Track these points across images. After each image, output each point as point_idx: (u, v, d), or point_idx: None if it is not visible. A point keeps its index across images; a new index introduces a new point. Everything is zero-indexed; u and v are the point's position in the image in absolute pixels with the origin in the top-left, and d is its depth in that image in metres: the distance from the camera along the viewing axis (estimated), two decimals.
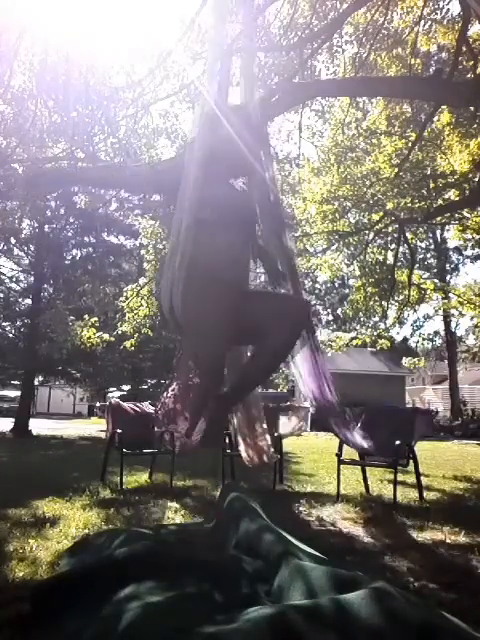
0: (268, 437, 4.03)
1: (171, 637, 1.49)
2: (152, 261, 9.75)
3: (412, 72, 6.92)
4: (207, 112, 2.79)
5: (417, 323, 24.43)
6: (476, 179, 7.19)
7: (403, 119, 7.76)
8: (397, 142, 7.89)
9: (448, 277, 23.82)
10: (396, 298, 9.96)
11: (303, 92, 5.29)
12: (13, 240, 13.96)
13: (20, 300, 16.97)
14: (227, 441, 4.94)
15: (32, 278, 15.36)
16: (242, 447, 4.05)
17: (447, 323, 23.49)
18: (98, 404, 26.41)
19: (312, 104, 8.21)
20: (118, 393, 24.54)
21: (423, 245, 20.17)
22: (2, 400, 23.75)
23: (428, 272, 21.48)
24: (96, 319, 11.06)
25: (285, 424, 5.01)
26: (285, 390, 21.97)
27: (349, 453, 4.57)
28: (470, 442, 13.74)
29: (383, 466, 4.65)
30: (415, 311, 11.05)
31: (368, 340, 10.35)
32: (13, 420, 13.30)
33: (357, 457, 4.63)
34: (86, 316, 11.25)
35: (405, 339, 26.43)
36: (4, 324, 16.99)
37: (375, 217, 8.78)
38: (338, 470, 4.49)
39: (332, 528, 3.40)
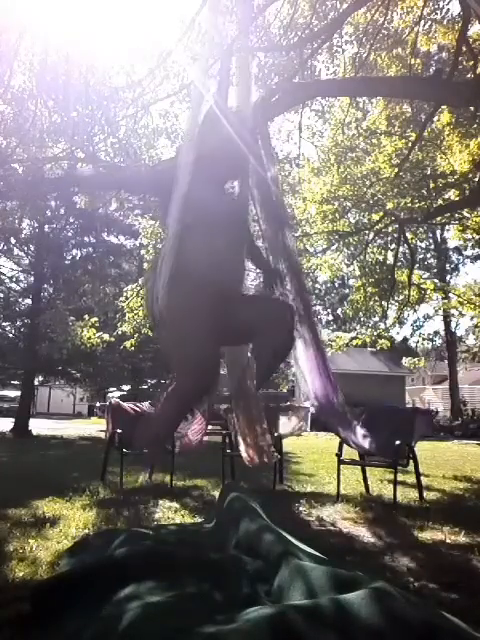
0: (268, 437, 4.04)
1: (171, 637, 1.49)
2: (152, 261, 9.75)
3: (412, 72, 6.92)
4: (207, 112, 2.79)
5: (417, 323, 24.45)
6: (476, 179, 7.19)
7: (403, 119, 7.76)
8: (397, 142, 7.89)
9: (448, 277, 23.83)
10: (396, 298, 9.96)
11: (303, 92, 5.29)
12: (13, 240, 13.96)
13: (20, 300, 16.96)
14: (227, 441, 4.95)
15: (32, 278, 15.35)
16: (242, 447, 4.05)
17: (447, 323, 23.49)
18: (98, 404, 26.39)
19: (312, 104, 8.22)
20: (118, 393, 24.52)
21: (423, 245, 20.17)
22: (2, 400, 23.75)
23: (428, 272, 21.48)
24: (96, 319, 11.06)
25: (285, 424, 5.01)
26: (285, 390, 21.98)
27: (349, 453, 4.57)
28: (470, 442, 13.73)
29: (383, 466, 4.65)
30: (415, 311, 11.06)
31: (368, 340, 10.34)
32: (13, 420, 13.29)
33: (357, 457, 4.63)
34: (86, 316, 11.25)
35: (405, 339, 26.44)
36: (4, 324, 16.98)
37: (375, 217, 8.78)
38: (338, 470, 4.49)
39: (332, 528, 3.40)
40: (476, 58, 6.15)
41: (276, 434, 4.71)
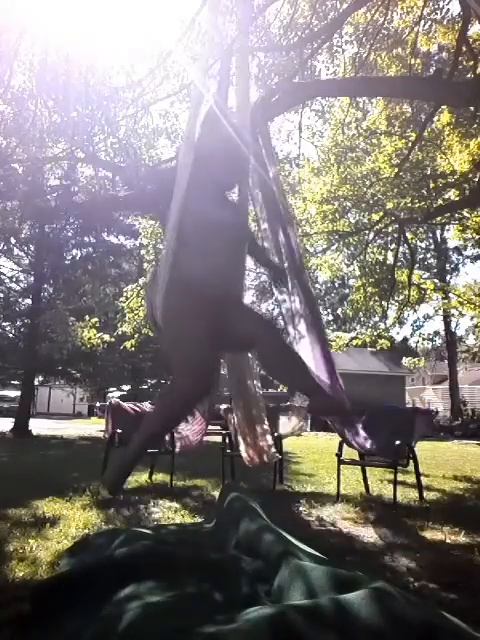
0: (269, 437, 4.04)
1: (171, 637, 1.49)
2: (152, 261, 9.75)
3: (412, 72, 6.92)
4: (207, 112, 2.79)
5: (417, 323, 24.45)
6: (476, 179, 7.19)
7: (403, 119, 7.77)
8: (397, 142, 7.90)
9: (448, 277, 23.84)
10: (396, 298, 9.96)
11: (303, 92, 5.29)
12: (13, 240, 13.96)
13: (20, 300, 16.96)
14: (227, 441, 4.95)
15: (32, 278, 15.36)
16: (242, 447, 4.05)
17: (447, 323, 23.51)
18: (98, 404, 26.40)
19: (312, 104, 8.22)
20: (118, 393, 24.54)
21: (423, 245, 20.19)
22: (2, 400, 23.76)
23: (428, 272, 21.49)
24: (96, 320, 11.07)
25: (285, 424, 5.00)
26: (285, 390, 21.97)
27: (349, 453, 4.57)
28: (470, 442, 13.74)
29: (383, 466, 4.65)
30: (415, 311, 11.06)
31: (368, 340, 10.35)
32: (13, 420, 13.29)
33: (357, 457, 4.62)
34: (87, 317, 11.26)
35: (405, 339, 26.45)
36: (4, 324, 16.99)
37: (375, 217, 8.78)
38: (338, 470, 4.49)
39: (332, 528, 3.39)
40: (476, 58, 6.15)
41: (276, 434, 4.70)
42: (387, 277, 9.17)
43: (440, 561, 2.67)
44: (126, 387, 25.30)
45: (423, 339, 22.51)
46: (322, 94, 6.55)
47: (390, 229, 9.05)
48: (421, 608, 1.63)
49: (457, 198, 7.83)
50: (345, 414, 3.17)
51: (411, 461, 4.38)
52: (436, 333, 26.92)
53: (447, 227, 11.98)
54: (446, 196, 8.24)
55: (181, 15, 6.99)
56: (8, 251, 14.89)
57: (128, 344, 9.93)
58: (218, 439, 5.34)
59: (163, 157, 8.85)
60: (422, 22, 7.00)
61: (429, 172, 8.06)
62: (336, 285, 28.62)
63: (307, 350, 3.13)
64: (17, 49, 5.70)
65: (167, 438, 4.78)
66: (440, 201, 8.17)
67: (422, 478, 4.65)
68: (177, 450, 4.71)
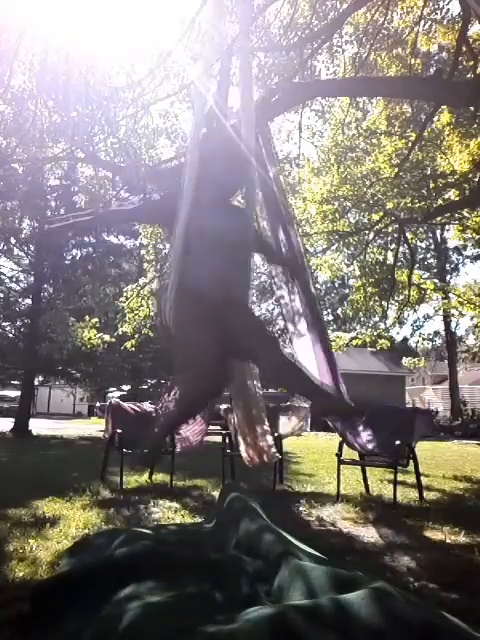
0: (269, 437, 4.04)
1: (171, 637, 1.49)
2: (152, 261, 9.75)
3: (412, 72, 6.92)
4: (208, 112, 2.81)
5: (417, 323, 24.42)
6: (476, 179, 7.19)
7: (403, 119, 7.76)
8: (397, 142, 7.89)
9: (448, 277, 23.83)
10: (396, 298, 9.96)
11: (303, 92, 5.28)
12: (13, 240, 13.96)
13: (20, 300, 16.95)
14: (227, 441, 4.95)
15: (32, 278, 15.35)
16: (242, 447, 4.05)
17: (447, 323, 23.50)
18: (98, 404, 26.36)
19: (312, 104, 8.21)
20: (118, 393, 24.52)
21: (423, 245, 20.18)
22: (2, 400, 23.73)
23: (428, 272, 21.49)
24: (96, 320, 11.06)
25: (285, 424, 5.00)
26: (285, 390, 21.94)
27: (349, 453, 4.57)
28: (470, 442, 13.74)
29: (383, 466, 4.65)
30: (415, 311, 11.06)
31: (368, 340, 10.34)
32: (13, 420, 13.29)
33: (357, 457, 4.62)
34: (87, 317, 11.25)
35: (405, 339, 26.43)
36: (4, 324, 16.98)
37: (375, 217, 8.78)
38: (338, 470, 4.49)
39: (332, 528, 3.40)
40: (476, 58, 6.15)
41: (276, 434, 4.70)
42: (387, 277, 9.17)
43: (440, 561, 2.67)
44: (126, 387, 25.28)
45: (423, 339, 22.49)
46: (322, 94, 6.55)
47: (390, 229, 9.05)
48: (421, 608, 1.64)
49: (457, 198, 7.83)
50: (347, 415, 3.19)
51: (411, 461, 4.38)
52: (436, 333, 26.92)
53: (447, 227, 11.98)
54: (446, 196, 8.24)
55: (181, 15, 6.99)
56: (8, 251, 14.88)
57: (128, 344, 9.92)
58: (218, 439, 5.34)
59: (163, 157, 8.85)
60: (422, 22, 6.99)
61: (429, 172, 8.05)
62: (336, 285, 28.62)
63: (308, 350, 3.15)
64: (17, 49, 5.70)
65: (167, 438, 4.78)
66: (440, 201, 8.17)
67: (422, 478, 4.65)
68: (177, 450, 4.71)
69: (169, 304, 2.60)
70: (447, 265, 24.78)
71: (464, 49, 6.02)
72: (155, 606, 1.69)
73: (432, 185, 7.96)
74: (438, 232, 20.98)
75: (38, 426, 13.72)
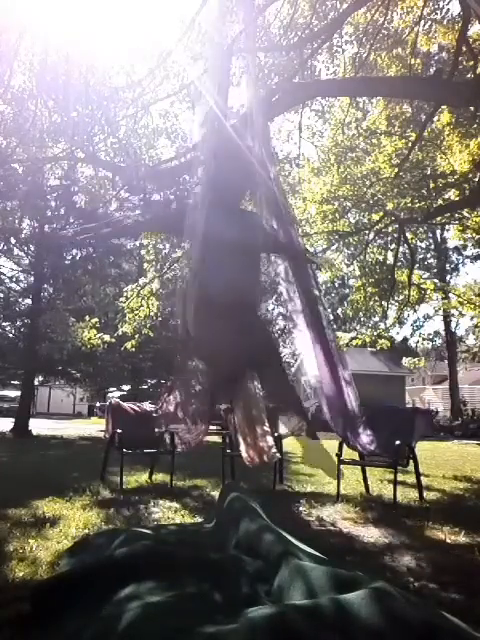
0: (269, 438, 4.04)
1: (171, 637, 1.49)
2: (152, 261, 9.74)
3: (412, 72, 6.92)
4: (210, 113, 2.83)
5: (417, 323, 24.44)
6: (476, 179, 7.19)
7: (403, 119, 7.76)
8: (397, 142, 7.89)
9: (448, 277, 23.82)
10: (396, 298, 9.96)
11: (303, 92, 5.29)
12: (13, 240, 13.95)
13: (20, 300, 16.94)
14: (227, 441, 4.94)
15: (32, 278, 15.34)
16: (242, 447, 4.05)
17: (447, 323, 23.49)
18: (98, 404, 26.36)
19: (312, 104, 8.22)
20: (118, 393, 24.50)
21: (423, 245, 20.18)
22: (2, 400, 23.72)
23: (428, 272, 21.48)
24: (96, 320, 11.05)
25: (285, 424, 5.00)
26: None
27: (349, 453, 4.57)
28: (470, 442, 13.73)
29: (383, 466, 4.65)
30: (415, 311, 11.06)
31: (368, 340, 10.34)
32: (13, 420, 13.28)
33: (357, 457, 4.62)
34: (87, 317, 11.24)
35: (405, 339, 26.42)
36: (4, 324, 16.97)
37: (375, 217, 8.78)
38: (338, 470, 4.49)
39: (332, 528, 3.39)
40: (476, 58, 6.15)
41: (276, 434, 4.70)
42: (387, 277, 9.17)
43: (440, 561, 2.67)
44: (126, 387, 25.26)
45: (423, 339, 22.49)
46: (322, 94, 6.55)
47: (390, 229, 9.05)
48: (421, 608, 1.64)
49: (457, 198, 7.83)
50: (347, 417, 3.27)
51: (411, 461, 4.38)
52: (436, 333, 26.93)
53: (447, 227, 11.98)
54: (446, 196, 8.24)
55: (181, 15, 6.98)
56: (8, 251, 14.87)
57: (128, 344, 9.91)
58: (218, 439, 5.34)
59: (163, 157, 8.85)
60: (422, 22, 6.99)
61: (429, 172, 8.05)
62: (336, 285, 28.61)
63: (308, 350, 3.17)
64: (17, 49, 5.70)
65: (167, 439, 4.78)
66: (440, 201, 8.17)
67: (422, 478, 4.65)
68: (178, 450, 4.71)
69: (189, 306, 2.84)
70: (447, 265, 24.77)
71: (464, 49, 6.02)
72: (155, 606, 1.69)
73: (432, 185, 7.96)
74: (438, 232, 20.99)
75: (38, 426, 13.72)
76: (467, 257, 23.59)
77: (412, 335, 25.95)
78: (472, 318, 10.90)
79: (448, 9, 7.01)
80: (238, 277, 2.88)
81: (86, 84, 6.34)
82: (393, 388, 21.71)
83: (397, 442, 4.16)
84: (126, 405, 5.43)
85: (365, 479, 4.82)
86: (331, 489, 4.79)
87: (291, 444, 9.16)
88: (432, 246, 23.06)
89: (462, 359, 26.56)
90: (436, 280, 13.05)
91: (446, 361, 25.34)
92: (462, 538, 3.14)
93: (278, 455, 4.59)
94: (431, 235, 21.11)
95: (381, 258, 9.57)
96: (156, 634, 1.52)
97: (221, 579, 1.99)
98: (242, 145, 2.83)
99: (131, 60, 7.15)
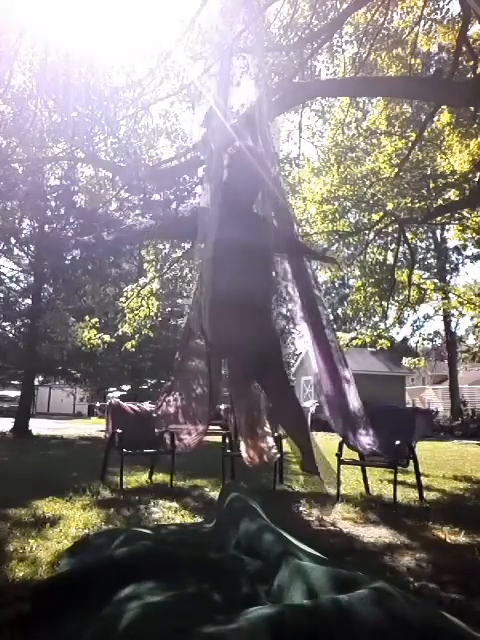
0: (269, 439, 4.04)
1: (171, 637, 1.49)
2: (152, 261, 9.75)
3: (412, 72, 6.92)
4: (208, 112, 2.84)
5: (417, 323, 24.45)
6: (476, 179, 7.19)
7: (403, 119, 7.77)
8: (397, 142, 7.90)
9: (448, 277, 23.82)
10: (396, 298, 9.96)
11: (303, 92, 5.29)
12: (13, 240, 13.95)
13: (20, 300, 16.93)
14: (227, 441, 4.94)
15: (32, 278, 15.33)
16: (243, 447, 4.05)
17: (447, 323, 23.49)
18: (98, 404, 26.37)
19: (312, 104, 8.23)
20: (118, 393, 24.50)
21: (423, 245, 20.18)
22: (2, 400, 23.71)
23: (428, 272, 21.48)
24: (96, 320, 11.06)
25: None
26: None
27: (349, 453, 4.56)
28: (470, 442, 13.73)
29: (383, 466, 4.65)
30: (415, 311, 11.08)
31: (368, 340, 10.34)
32: (13, 420, 13.28)
33: (357, 457, 4.62)
34: (87, 317, 11.24)
35: (405, 339, 26.44)
36: (4, 324, 16.96)
37: (375, 217, 8.78)
38: (338, 470, 4.49)
39: (332, 528, 3.39)
40: (476, 58, 6.15)
41: (276, 434, 4.70)
42: (387, 277, 9.17)
43: (440, 561, 2.67)
44: (126, 387, 25.26)
45: (423, 339, 22.52)
46: (322, 94, 6.56)
47: (390, 229, 9.05)
48: (421, 608, 1.63)
49: (457, 198, 7.83)
50: (349, 417, 3.37)
51: (411, 461, 4.38)
52: (436, 333, 26.94)
53: (447, 227, 11.98)
54: (446, 196, 8.24)
55: (181, 15, 6.99)
56: (8, 251, 14.87)
57: (128, 344, 9.92)
58: (218, 439, 5.34)
59: (163, 157, 8.85)
60: (422, 22, 7.00)
61: (429, 172, 8.05)
62: (336, 285, 28.62)
63: (309, 349, 3.20)
64: (17, 49, 5.70)
65: (167, 439, 4.78)
66: (440, 201, 8.17)
67: (422, 478, 4.65)
68: (178, 450, 4.71)
69: (205, 312, 2.94)
70: (447, 265, 24.77)
71: (464, 49, 6.02)
72: (155, 606, 1.69)
73: (432, 185, 7.96)
74: (438, 232, 20.98)
75: (38, 426, 13.71)
76: (467, 257, 23.62)
77: (412, 335, 26.01)
78: (472, 318, 10.91)
79: (448, 9, 7.03)
80: (254, 279, 3.01)
81: (86, 84, 6.34)
82: (393, 388, 21.72)
83: (397, 442, 4.16)
84: (126, 405, 5.43)
85: (365, 479, 4.82)
86: (331, 489, 4.79)
87: (291, 444, 9.15)
88: (432, 246, 23.06)
89: (462, 359, 26.53)
90: (436, 280, 13.06)
91: (446, 361, 25.34)
92: (462, 538, 3.14)
93: (278, 455, 4.59)
94: (431, 235, 21.11)
95: (381, 258, 9.58)
96: (156, 634, 1.52)
97: (221, 579, 1.99)
98: (243, 145, 2.85)
99: (131, 60, 7.16)
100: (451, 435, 16.85)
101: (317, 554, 2.17)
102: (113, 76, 7.21)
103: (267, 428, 3.99)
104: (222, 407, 5.30)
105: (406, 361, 18.34)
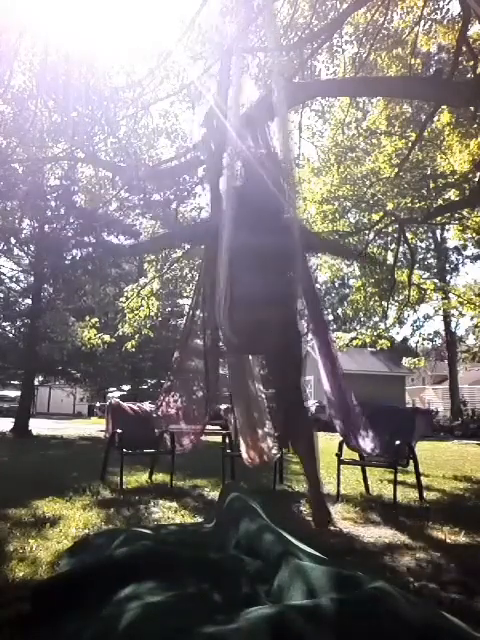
0: (270, 440, 4.04)
1: (171, 637, 1.49)
2: (152, 261, 9.75)
3: (412, 72, 6.92)
4: (208, 112, 2.84)
5: (417, 323, 24.43)
6: (476, 179, 7.19)
7: (403, 119, 7.76)
8: (397, 142, 7.89)
9: (448, 277, 23.80)
10: (396, 298, 9.96)
11: (303, 92, 5.29)
12: (13, 240, 13.95)
13: (20, 300, 16.93)
14: (227, 441, 4.94)
15: (32, 278, 15.33)
16: (243, 448, 4.06)
17: (447, 323, 23.48)
18: (98, 404, 26.37)
19: (312, 104, 8.22)
20: (118, 393, 24.50)
21: (423, 245, 20.17)
22: (2, 400, 23.70)
23: (428, 272, 21.46)
24: (96, 320, 11.06)
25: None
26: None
27: (349, 453, 4.57)
28: (470, 442, 13.73)
29: (383, 466, 4.65)
30: (415, 311, 11.07)
31: (368, 340, 10.33)
32: (13, 420, 13.27)
33: (357, 457, 4.62)
34: (87, 317, 11.25)
35: (405, 339, 26.42)
36: (4, 324, 16.96)
37: (375, 217, 8.78)
38: (338, 470, 4.49)
39: (332, 528, 3.39)
40: (476, 58, 6.14)
41: (276, 434, 4.70)
42: (387, 277, 9.17)
43: (440, 561, 2.67)
44: (126, 387, 25.27)
45: (423, 339, 22.49)
46: (322, 94, 6.55)
47: (390, 229, 9.04)
48: (421, 608, 1.64)
49: (457, 198, 7.82)
50: (350, 418, 3.39)
51: (411, 461, 4.38)
52: (436, 333, 26.92)
53: (447, 227, 11.98)
54: (446, 196, 8.24)
55: (181, 15, 6.99)
56: (8, 251, 14.86)
57: (128, 344, 9.92)
58: (218, 439, 5.34)
59: (163, 157, 8.85)
60: (422, 22, 6.99)
61: (429, 172, 8.05)
62: (336, 285, 28.61)
63: (309, 349, 3.23)
64: (17, 49, 5.70)
65: (167, 439, 4.78)
66: (440, 201, 8.16)
67: (422, 478, 4.65)
68: (177, 450, 4.71)
69: (226, 315, 3.00)
70: (447, 265, 24.76)
71: (464, 49, 6.02)
72: (155, 606, 1.69)
73: (432, 185, 7.96)
74: (438, 232, 20.97)
75: (38, 426, 13.71)
76: (467, 257, 23.61)
77: (412, 335, 25.98)
78: (472, 318, 10.90)
79: (448, 9, 7.02)
80: (274, 281, 3.08)
81: (86, 84, 6.34)
82: (393, 388, 21.72)
83: (397, 442, 4.16)
84: (126, 405, 5.43)
85: (365, 479, 4.82)
86: (331, 489, 4.79)
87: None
88: (432, 246, 23.06)
89: (462, 359, 26.53)
90: (436, 280, 13.05)
91: (446, 361, 25.34)
92: (462, 538, 3.14)
93: (278, 455, 4.60)
94: (431, 235, 21.11)
95: (381, 258, 9.57)
96: (156, 634, 1.52)
97: (221, 579, 1.99)
98: (243, 147, 2.86)
99: (131, 60, 7.16)
100: (451, 435, 16.85)
101: (317, 554, 2.17)
102: (113, 76, 7.21)
103: (267, 428, 3.99)
104: (222, 407, 5.30)
105: (406, 361, 18.33)
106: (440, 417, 20.09)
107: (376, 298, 9.57)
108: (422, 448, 6.90)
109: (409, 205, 8.06)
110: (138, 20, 7.28)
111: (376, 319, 11.81)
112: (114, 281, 17.03)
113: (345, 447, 4.24)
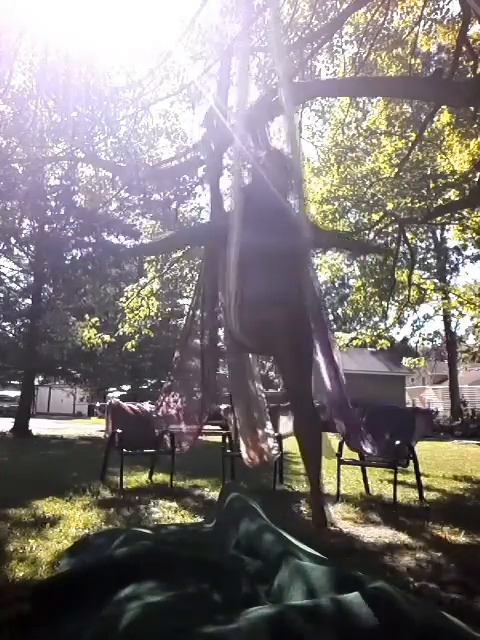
0: (270, 440, 4.04)
1: (171, 637, 1.48)
2: (152, 261, 9.75)
3: (412, 72, 6.92)
4: (208, 112, 2.84)
5: (417, 323, 24.46)
6: (476, 179, 7.19)
7: (403, 119, 7.77)
8: (397, 142, 7.90)
9: (448, 277, 23.82)
10: (396, 298, 9.96)
11: (303, 92, 5.28)
12: (13, 240, 13.95)
13: (20, 300, 16.94)
14: (227, 441, 4.94)
15: (32, 278, 15.34)
16: (243, 448, 4.06)
17: (447, 323, 23.50)
18: (98, 404, 26.38)
19: (312, 104, 8.22)
20: (118, 393, 24.52)
21: (423, 245, 20.18)
22: (2, 400, 23.71)
23: (428, 272, 21.47)
24: (96, 320, 11.06)
25: (285, 424, 5.00)
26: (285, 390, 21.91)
27: (349, 453, 4.57)
28: (470, 442, 13.74)
29: (383, 466, 4.65)
30: (415, 311, 11.08)
31: (368, 340, 10.34)
32: (13, 420, 13.28)
33: (357, 457, 4.62)
34: (87, 317, 11.25)
35: (405, 339, 26.45)
36: (4, 324, 16.98)
37: (375, 217, 8.78)
38: (338, 470, 4.49)
39: (332, 528, 3.39)
40: (476, 58, 6.15)
41: (276, 434, 4.70)
42: (387, 277, 9.17)
43: (440, 561, 2.67)
44: (126, 387, 25.28)
45: (423, 339, 22.51)
46: (322, 94, 6.56)
47: (390, 229, 9.05)
48: (421, 608, 1.63)
49: (457, 198, 7.83)
50: (350, 419, 3.39)
51: (411, 461, 4.38)
52: (436, 333, 26.94)
53: (447, 227, 11.99)
54: (446, 196, 8.24)
55: (181, 15, 6.99)
56: (8, 251, 14.87)
57: (128, 344, 9.92)
58: (218, 439, 5.34)
59: (163, 157, 8.86)
60: (422, 22, 7.00)
61: (429, 172, 8.05)
62: (336, 285, 28.62)
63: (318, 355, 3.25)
64: (17, 49, 5.70)
65: (167, 439, 4.78)
66: (440, 201, 8.17)
67: (422, 478, 4.65)
68: (178, 450, 4.71)
69: (235, 315, 3.01)
70: (447, 265, 24.77)
71: (464, 49, 6.02)
72: (155, 606, 1.69)
73: (432, 185, 7.96)
74: (438, 232, 20.99)
75: (38, 426, 13.72)
76: (467, 257, 23.64)
77: (412, 335, 26.00)
78: (472, 318, 10.90)
79: (448, 9, 7.03)
80: (282, 278, 3.06)
81: (86, 84, 6.35)
82: (393, 388, 21.74)
83: (397, 442, 4.16)
84: (126, 405, 5.43)
85: (365, 479, 4.82)
86: (331, 489, 4.79)
87: (291, 444, 9.15)
88: (432, 246, 23.07)
89: (462, 359, 26.54)
90: (436, 280, 13.05)
91: (446, 361, 25.35)
92: (462, 538, 3.14)
93: (278, 455, 4.60)
94: (431, 235, 21.12)
95: (381, 258, 9.58)
96: (156, 634, 1.52)
97: (221, 579, 1.99)
98: (244, 147, 2.86)
99: (131, 60, 7.17)
100: (451, 435, 16.85)
101: (317, 554, 2.17)
102: (113, 76, 7.21)
103: (267, 428, 3.99)
104: (222, 407, 5.30)
105: (406, 361, 18.35)
106: (440, 417, 20.10)
107: (376, 298, 9.58)
108: (422, 448, 6.90)
109: (409, 205, 8.06)
110: (138, 20, 7.30)
111: (376, 319, 11.82)
112: (114, 281, 17.04)
113: (345, 447, 4.25)
